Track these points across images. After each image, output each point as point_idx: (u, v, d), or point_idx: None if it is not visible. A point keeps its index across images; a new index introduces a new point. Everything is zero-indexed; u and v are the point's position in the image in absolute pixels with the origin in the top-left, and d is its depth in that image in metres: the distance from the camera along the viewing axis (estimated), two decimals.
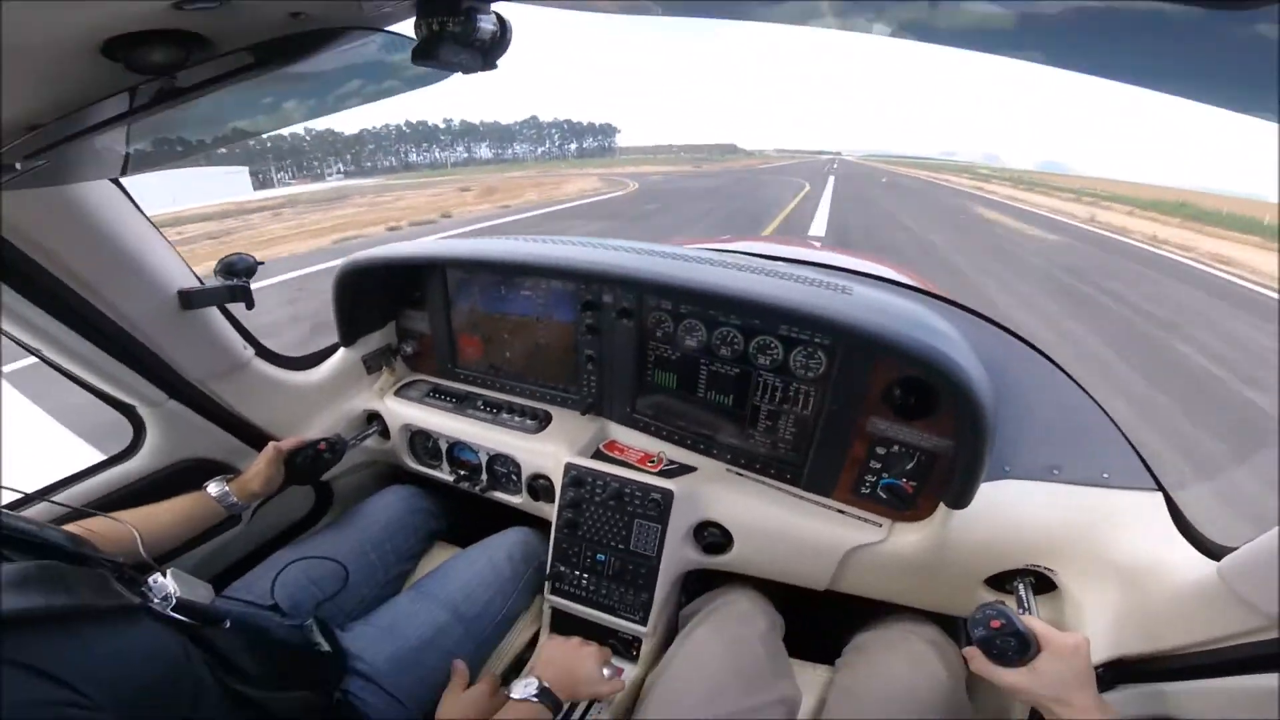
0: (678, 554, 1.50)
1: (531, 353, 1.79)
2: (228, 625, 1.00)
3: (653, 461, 1.58)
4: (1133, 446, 1.23)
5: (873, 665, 1.36)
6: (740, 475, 1.52)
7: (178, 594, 0.96)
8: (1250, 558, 0.87)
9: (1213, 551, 1.00)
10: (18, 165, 0.85)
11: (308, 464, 1.56)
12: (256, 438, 1.67)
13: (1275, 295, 10.50)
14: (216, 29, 0.68)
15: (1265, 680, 0.84)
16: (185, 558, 1.43)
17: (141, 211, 1.30)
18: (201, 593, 1.08)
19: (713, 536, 1.49)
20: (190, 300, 1.39)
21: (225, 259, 1.44)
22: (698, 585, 1.65)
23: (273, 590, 1.32)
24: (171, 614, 0.91)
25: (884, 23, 0.82)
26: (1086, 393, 1.32)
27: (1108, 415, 1.28)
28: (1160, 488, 1.18)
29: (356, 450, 1.82)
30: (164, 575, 0.99)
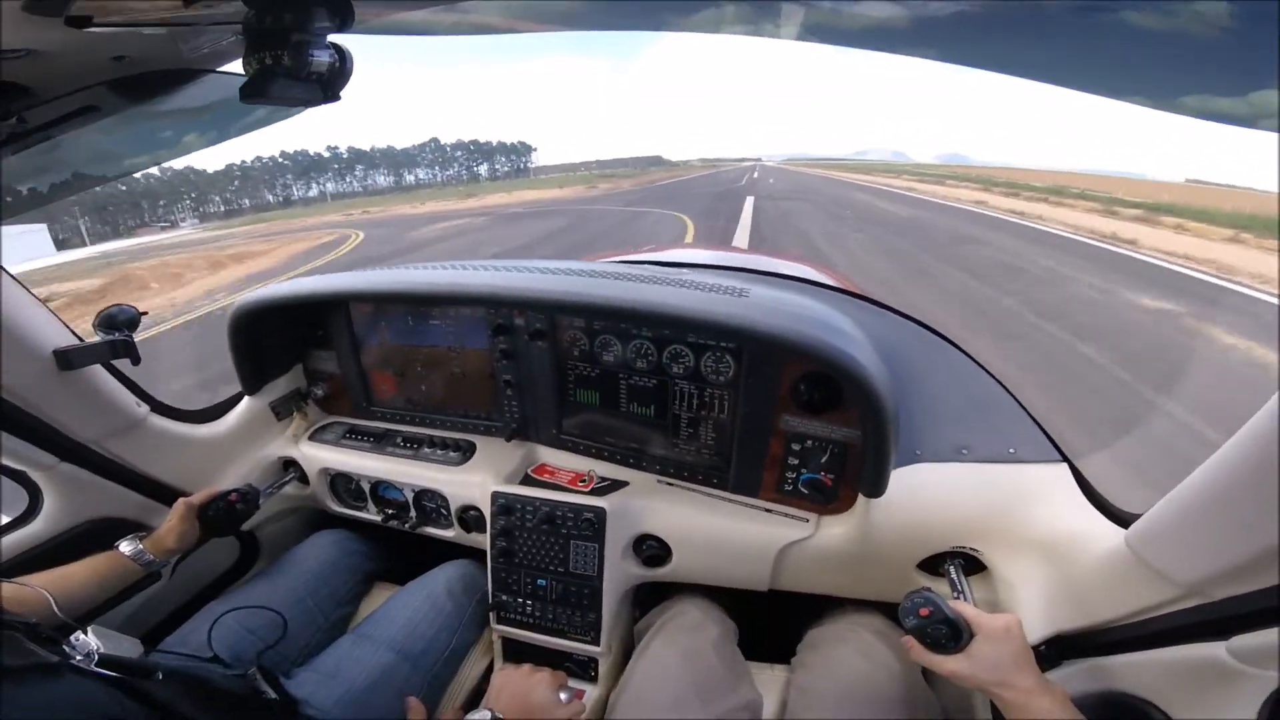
0: (619, 570, 1.48)
1: (448, 383, 1.75)
2: (160, 677, 0.98)
3: (584, 481, 1.57)
4: (1034, 419, 1.28)
5: (826, 662, 1.37)
6: (671, 485, 1.52)
7: (100, 649, 0.94)
8: (1152, 525, 0.88)
9: (1123, 519, 1.02)
10: None
11: (221, 516, 1.50)
12: (166, 494, 1.60)
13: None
14: (37, 78, 0.64)
15: (1200, 649, 0.82)
16: (109, 616, 1.37)
17: (4, 269, 1.22)
18: (127, 647, 1.08)
19: (651, 549, 1.48)
20: (69, 360, 1.32)
21: (105, 311, 1.37)
22: (651, 599, 1.63)
23: (210, 641, 1.29)
24: (96, 669, 0.89)
25: (790, 26, 0.84)
26: (987, 371, 1.36)
27: (1008, 391, 1.32)
28: (1065, 458, 1.22)
29: (277, 498, 1.76)
30: (85, 633, 0.97)
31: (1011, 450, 1.24)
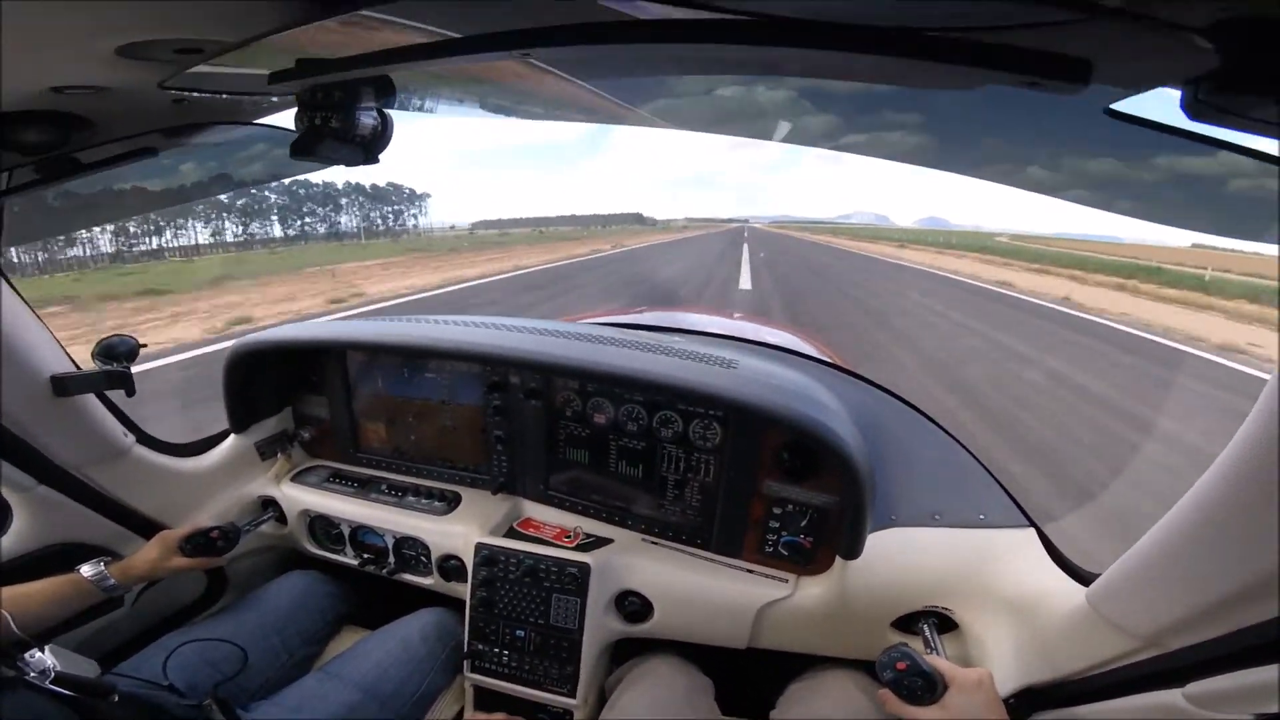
0: (600, 625, 1.49)
1: (438, 435, 1.77)
2: (115, 699, 0.98)
3: (569, 537, 1.58)
4: (1002, 486, 1.35)
5: (807, 713, 1.37)
6: (655, 544, 1.54)
7: (56, 668, 0.94)
8: (1111, 582, 0.95)
9: (1085, 579, 1.08)
10: None
11: (199, 551, 1.49)
12: (142, 524, 1.60)
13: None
14: (98, 112, 0.70)
15: (1160, 697, 0.87)
16: (66, 638, 1.36)
17: (15, 290, 1.26)
18: (85, 667, 1.06)
19: (633, 605, 1.49)
20: (65, 387, 1.34)
21: (105, 341, 1.39)
22: (628, 654, 1.62)
23: (165, 670, 1.26)
24: (50, 686, 0.89)
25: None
26: (959, 443, 1.44)
27: (979, 461, 1.40)
28: (1032, 523, 1.29)
29: (252, 535, 1.74)
30: (41, 651, 0.97)
31: (982, 516, 1.31)
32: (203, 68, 0.55)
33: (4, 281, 1.22)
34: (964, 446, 1.43)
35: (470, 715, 1.58)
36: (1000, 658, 1.17)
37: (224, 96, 0.67)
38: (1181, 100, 0.36)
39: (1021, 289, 18.81)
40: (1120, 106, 0.41)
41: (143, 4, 0.47)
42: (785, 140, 0.98)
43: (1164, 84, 0.37)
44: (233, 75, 0.63)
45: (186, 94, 0.67)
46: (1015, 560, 1.23)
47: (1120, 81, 0.38)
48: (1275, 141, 0.37)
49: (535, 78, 0.76)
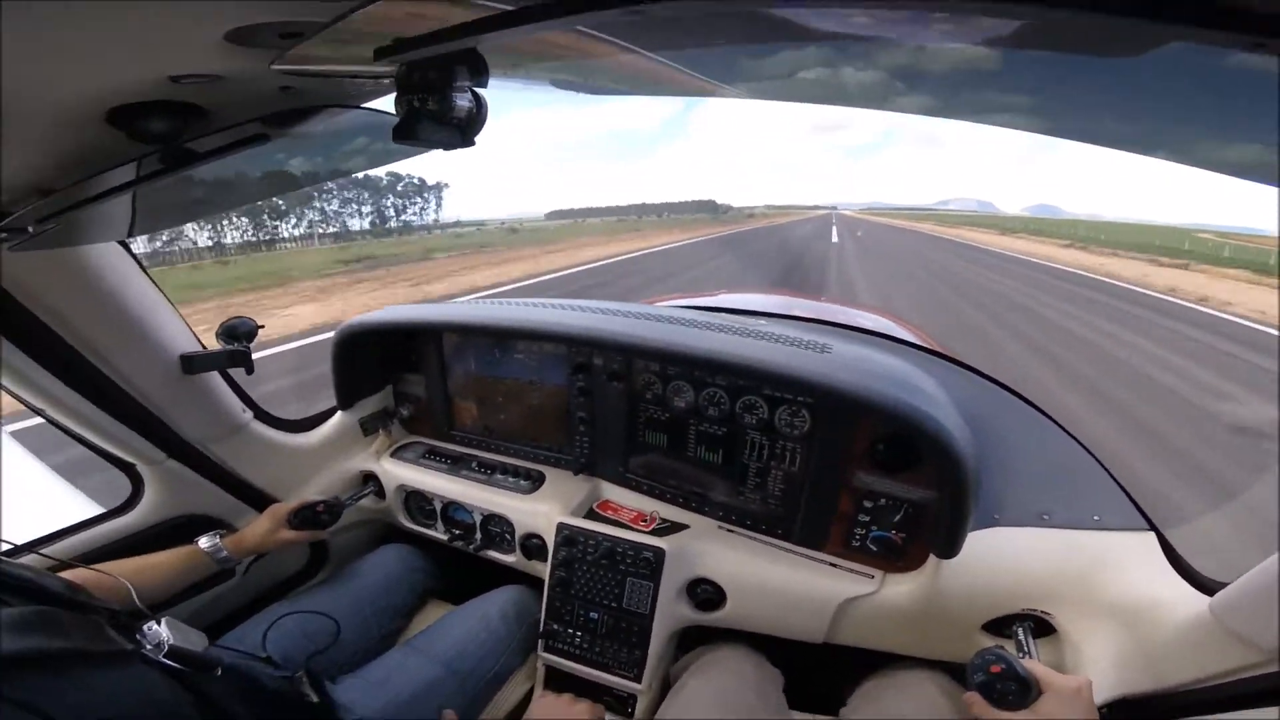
0: (671, 611, 1.48)
1: (525, 415, 1.81)
2: (219, 673, 1.01)
3: (645, 520, 1.59)
4: (1122, 487, 1.24)
5: (883, 712, 1.33)
6: (732, 532, 1.52)
7: (170, 641, 0.97)
8: (1241, 593, 0.89)
9: (1207, 587, 1.00)
10: (30, 229, 0.91)
11: (306, 525, 1.58)
12: (255, 497, 1.70)
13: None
14: (212, 100, 0.74)
15: (1267, 714, 0.84)
16: (180, 608, 1.43)
17: (148, 274, 1.36)
18: (195, 640, 1.08)
19: (706, 593, 1.48)
20: (192, 365, 1.44)
21: (226, 323, 1.50)
22: (695, 643, 1.62)
23: (264, 642, 1.33)
24: (164, 660, 0.93)
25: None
26: (1074, 437, 1.33)
27: (1095, 458, 1.29)
28: (1153, 527, 1.18)
29: (352, 509, 1.84)
30: (158, 624, 1.00)
31: (1096, 518, 1.21)
32: (307, 51, 0.57)
33: (138, 267, 1.32)
34: (1080, 442, 1.32)
35: (539, 695, 1.61)
36: (1098, 663, 1.10)
37: (328, 79, 0.70)
38: None
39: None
40: None
41: None
42: (890, 109, 0.91)
43: None
44: (336, 57, 0.65)
45: (295, 80, 0.70)
46: (1130, 565, 1.14)
47: None
48: None
49: (603, 51, 0.75)
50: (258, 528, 1.52)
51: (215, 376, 1.55)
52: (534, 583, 1.71)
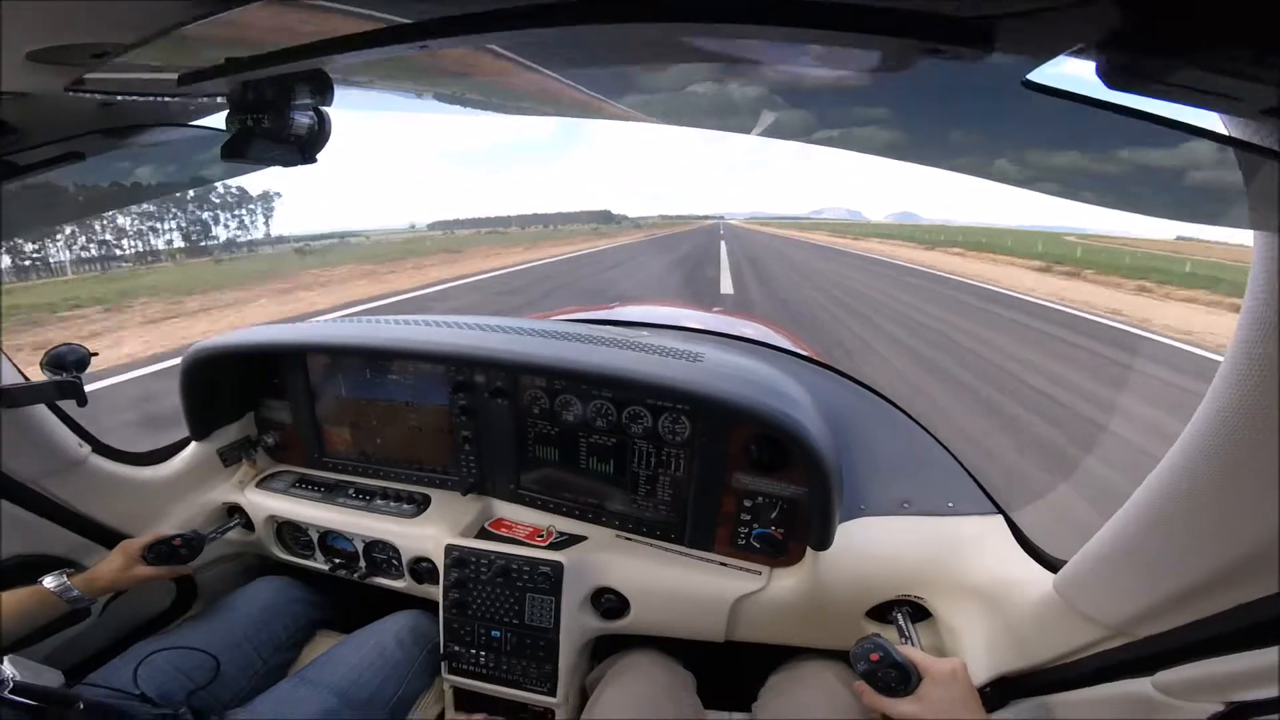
0: (577, 623, 1.48)
1: (405, 437, 1.74)
2: (81, 708, 0.97)
3: (541, 535, 1.57)
4: (970, 474, 1.36)
5: (788, 705, 1.38)
6: (629, 540, 1.54)
7: (16, 678, 0.93)
8: (1077, 570, 0.95)
9: (1054, 565, 1.08)
10: None
11: (163, 560, 1.47)
12: (104, 535, 1.59)
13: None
14: (21, 117, 0.67)
15: (1130, 685, 0.87)
16: (33, 650, 1.37)
17: None
18: (47, 678, 1.09)
19: (610, 602, 1.49)
20: (13, 398, 1.31)
21: (53, 351, 1.36)
22: (610, 651, 1.62)
23: (136, 679, 1.24)
24: (10, 697, 0.88)
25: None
26: (927, 430, 1.45)
27: (947, 449, 1.41)
28: (1000, 510, 1.30)
29: (219, 543, 1.72)
30: (1, 662, 0.96)
31: (950, 504, 1.32)
32: (115, 72, 0.53)
33: None
34: (932, 435, 1.44)
35: (451, 716, 1.58)
36: (974, 647, 1.18)
37: (141, 99, 0.64)
38: (1096, 68, 0.34)
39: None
40: (1037, 78, 0.39)
41: (39, 7, 0.44)
42: (764, 134, 0.97)
43: (1078, 50, 0.35)
44: (148, 78, 0.60)
45: (108, 97, 0.64)
46: (984, 548, 1.24)
47: (1029, 49, 0.36)
48: (1198, 110, 0.36)
49: (495, 68, 0.74)
50: (110, 565, 1.42)
51: (43, 409, 1.42)
52: (429, 605, 1.65)
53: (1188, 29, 0.30)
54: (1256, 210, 0.55)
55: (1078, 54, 0.35)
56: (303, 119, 0.67)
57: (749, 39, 0.49)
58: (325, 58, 0.53)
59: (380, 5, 0.50)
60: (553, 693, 1.49)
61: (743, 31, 0.40)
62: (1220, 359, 0.66)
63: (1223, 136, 0.36)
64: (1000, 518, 1.29)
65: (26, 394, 1.33)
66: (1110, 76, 0.33)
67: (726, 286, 15.59)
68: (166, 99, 0.65)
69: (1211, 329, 10.55)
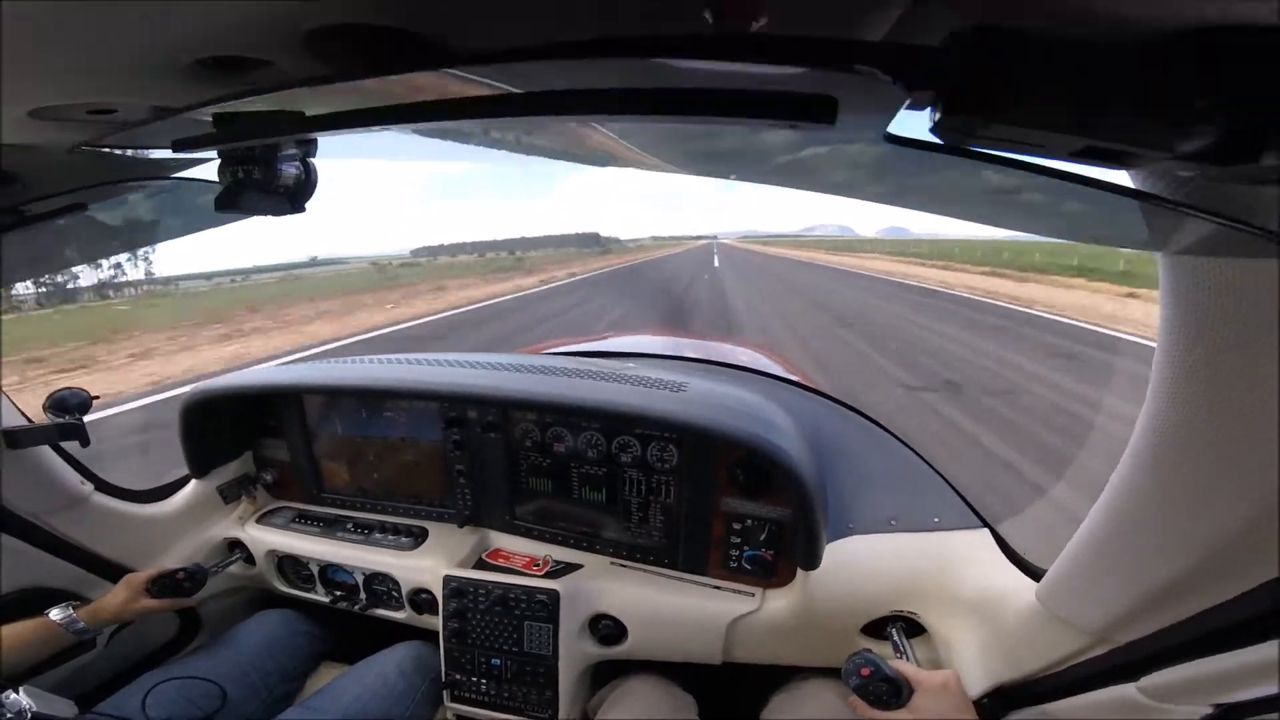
0: (576, 649, 1.49)
1: (401, 472, 1.77)
2: None
3: (538, 565, 1.59)
4: (956, 490, 1.38)
5: None
6: (624, 566, 1.55)
7: (33, 708, 0.96)
8: (1055, 579, 0.96)
9: (1038, 575, 1.08)
10: None
11: (167, 593, 1.49)
12: (108, 569, 1.61)
13: None
14: (23, 167, 0.70)
15: (1117, 691, 0.87)
16: (41, 679, 1.35)
17: None
18: (61, 708, 1.08)
19: (607, 628, 1.50)
20: (16, 440, 1.34)
21: (55, 394, 1.40)
22: (611, 676, 1.63)
23: (144, 708, 1.27)
24: None
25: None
26: (912, 449, 1.47)
27: (932, 466, 1.43)
28: (985, 524, 1.31)
29: (222, 576, 1.73)
30: (16, 692, 0.98)
31: (936, 519, 1.33)
32: (113, 135, 0.56)
33: None
34: (916, 452, 1.46)
35: None
36: (968, 659, 1.19)
37: (141, 155, 0.68)
38: (929, 124, 0.37)
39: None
40: (897, 130, 0.42)
41: (46, 72, 0.48)
42: (739, 179, 1.00)
43: (914, 105, 0.38)
44: (146, 137, 0.64)
45: (107, 151, 0.67)
46: (971, 560, 1.26)
47: (870, 109, 0.40)
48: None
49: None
50: (114, 598, 1.44)
51: (46, 450, 1.45)
52: (431, 636, 1.66)
53: (982, 95, 0.33)
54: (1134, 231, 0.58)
55: (916, 108, 0.38)
56: (290, 169, 0.70)
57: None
58: (307, 134, 0.57)
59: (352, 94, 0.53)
60: (554, 718, 1.49)
61: (652, 117, 0.43)
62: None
63: (1057, 172, 0.39)
64: (986, 531, 1.30)
65: (30, 436, 1.35)
66: (939, 133, 0.36)
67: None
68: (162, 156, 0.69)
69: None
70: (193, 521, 1.78)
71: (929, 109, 0.36)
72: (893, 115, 0.40)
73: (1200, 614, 0.73)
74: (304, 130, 0.54)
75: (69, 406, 1.40)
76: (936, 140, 0.37)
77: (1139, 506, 0.75)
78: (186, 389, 1.69)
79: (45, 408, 1.40)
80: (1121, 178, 0.49)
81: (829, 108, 0.37)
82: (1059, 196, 0.51)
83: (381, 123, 0.50)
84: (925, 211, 0.77)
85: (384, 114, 0.50)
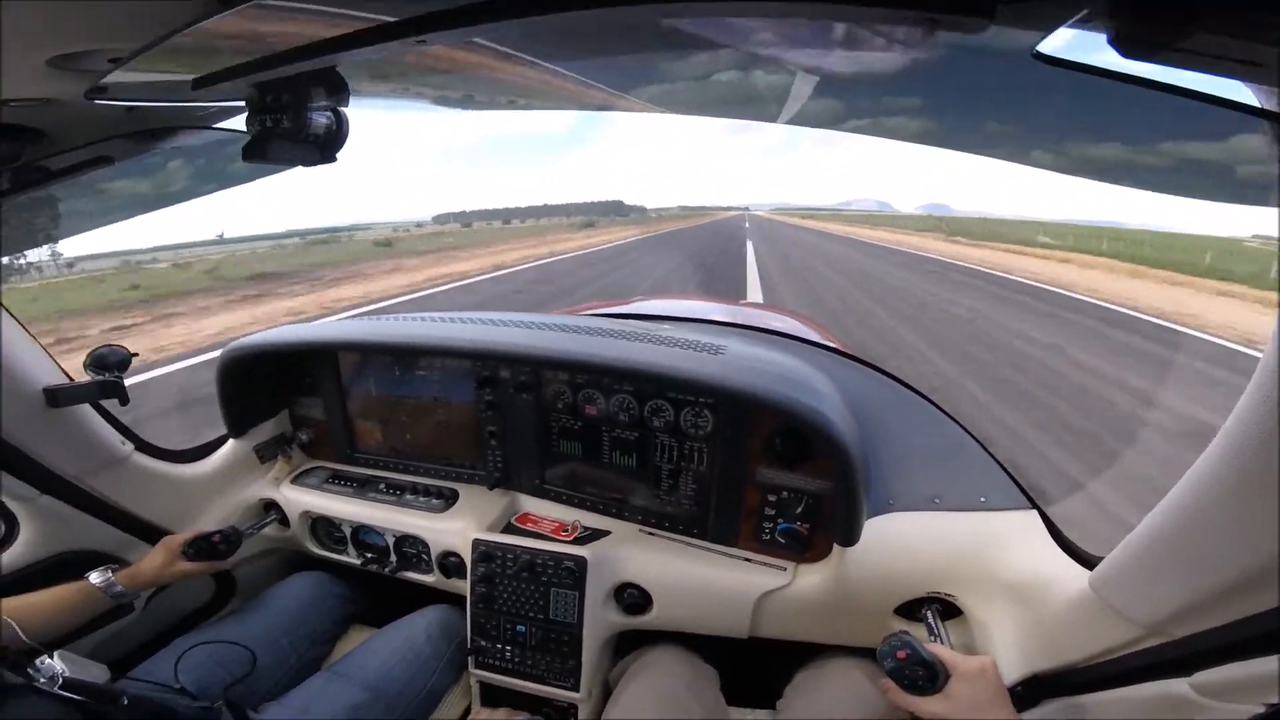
0: (600, 618, 1.49)
1: (433, 433, 1.77)
2: (125, 703, 1.00)
3: (566, 530, 1.58)
4: (1005, 469, 1.32)
5: (813, 704, 1.36)
6: (652, 535, 1.54)
7: (65, 673, 0.97)
8: (1112, 567, 0.92)
9: (1089, 562, 1.05)
10: None
11: (203, 556, 1.52)
12: (146, 531, 1.63)
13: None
14: (49, 123, 0.69)
15: (1166, 686, 0.85)
16: (79, 644, 1.38)
17: (4, 306, 1.27)
18: (94, 672, 1.10)
19: (632, 597, 1.49)
20: (57, 398, 1.36)
21: (95, 352, 1.41)
22: (633, 646, 1.63)
23: (176, 673, 1.29)
24: (60, 692, 0.92)
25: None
26: (959, 424, 1.41)
27: (980, 443, 1.37)
28: (1034, 505, 1.26)
29: (256, 538, 1.77)
30: (50, 657, 1.00)
31: (983, 499, 1.28)
32: (131, 76, 0.54)
33: None
34: (964, 428, 1.40)
35: (476, 711, 1.60)
36: (1005, 645, 1.15)
37: (161, 104, 0.66)
38: (1107, 38, 0.33)
39: None
40: (1047, 49, 0.37)
41: (51, 12, 0.46)
42: (792, 123, 0.95)
43: (1084, 19, 0.33)
44: (165, 82, 0.62)
45: (131, 103, 0.66)
46: (1017, 544, 1.21)
47: (1031, 20, 0.35)
48: (1214, 77, 0.34)
49: (504, 67, 0.74)
50: (152, 561, 1.46)
51: (87, 409, 1.47)
52: (457, 601, 1.68)
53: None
54: None
55: (1085, 24, 0.33)
56: (320, 119, 0.68)
57: (751, 19, 0.48)
58: (329, 57, 0.54)
59: (374, 7, 0.50)
60: (576, 688, 1.50)
61: (739, 10, 0.39)
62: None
63: (1248, 106, 0.34)
64: (1034, 513, 1.25)
65: (71, 394, 1.37)
66: (1121, 45, 0.32)
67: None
68: (188, 104, 0.67)
69: None
70: (229, 482, 1.81)
71: (1105, 21, 0.31)
72: (1052, 28, 0.35)
73: (1263, 614, 0.71)
74: (324, 53, 0.51)
75: (109, 364, 1.41)
76: (1100, 64, 0.32)
77: (1213, 502, 0.72)
78: (223, 348, 1.70)
79: (86, 365, 1.42)
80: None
81: (984, 4, 0.33)
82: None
83: (399, 37, 0.46)
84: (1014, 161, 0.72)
85: (401, 28, 0.46)
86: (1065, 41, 0.35)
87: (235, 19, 0.43)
